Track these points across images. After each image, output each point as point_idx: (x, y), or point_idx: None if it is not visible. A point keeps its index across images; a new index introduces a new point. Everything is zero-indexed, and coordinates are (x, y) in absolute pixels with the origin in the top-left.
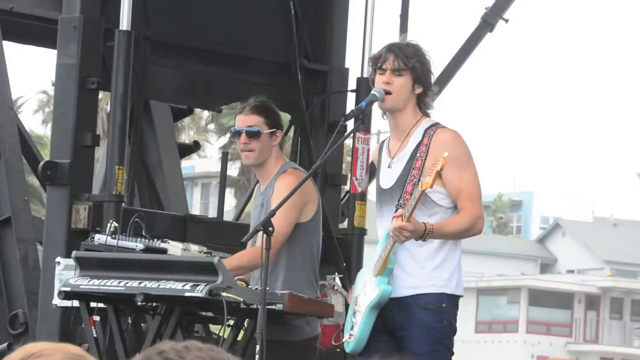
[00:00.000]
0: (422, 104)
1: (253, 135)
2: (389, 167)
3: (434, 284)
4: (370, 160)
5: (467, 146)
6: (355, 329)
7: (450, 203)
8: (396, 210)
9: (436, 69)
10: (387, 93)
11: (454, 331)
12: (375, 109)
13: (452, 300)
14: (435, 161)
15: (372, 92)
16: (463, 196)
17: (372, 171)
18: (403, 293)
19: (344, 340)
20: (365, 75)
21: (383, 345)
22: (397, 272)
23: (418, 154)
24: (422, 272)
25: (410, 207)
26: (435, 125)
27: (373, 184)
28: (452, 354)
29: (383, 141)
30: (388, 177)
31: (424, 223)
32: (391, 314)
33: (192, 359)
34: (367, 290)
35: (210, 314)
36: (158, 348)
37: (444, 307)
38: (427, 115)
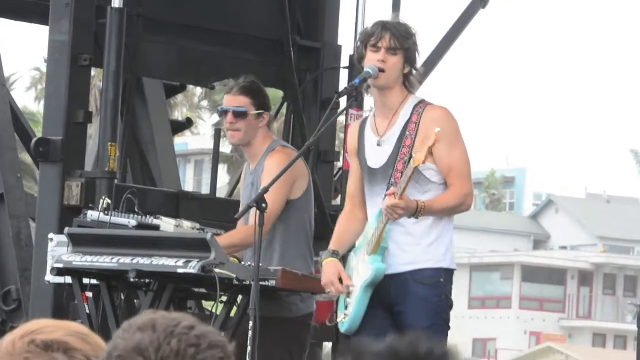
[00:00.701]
0: (408, 82)
1: (240, 115)
2: (378, 145)
3: (430, 259)
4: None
5: (457, 123)
6: (350, 309)
7: (442, 179)
8: (388, 189)
9: (423, 50)
10: (381, 71)
11: (451, 306)
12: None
13: (448, 275)
14: (426, 137)
15: (366, 69)
16: (453, 173)
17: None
18: (400, 269)
19: (338, 320)
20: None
21: (380, 322)
22: (393, 249)
23: (407, 132)
24: (418, 248)
25: (403, 184)
26: (423, 102)
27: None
28: (449, 328)
29: (364, 119)
30: (378, 156)
31: (416, 201)
32: (388, 291)
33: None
34: (360, 269)
35: (203, 290)
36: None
37: (441, 281)
38: (411, 92)
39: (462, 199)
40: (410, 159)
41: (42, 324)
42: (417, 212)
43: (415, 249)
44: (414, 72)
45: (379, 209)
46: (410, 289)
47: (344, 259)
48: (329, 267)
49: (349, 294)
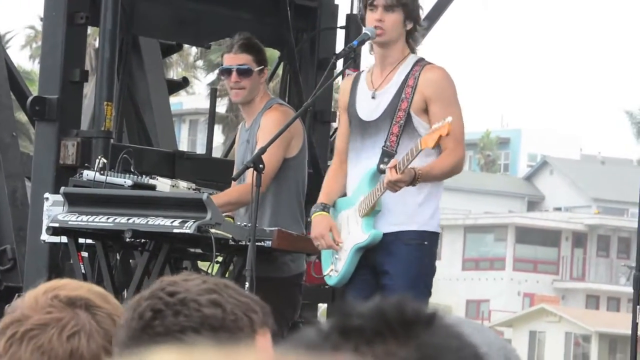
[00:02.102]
0: (411, 39)
1: (244, 73)
2: (372, 97)
3: (416, 221)
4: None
5: (454, 85)
6: (339, 266)
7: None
8: (383, 151)
9: (425, 4)
10: (378, 31)
11: (434, 271)
12: (367, 48)
13: (433, 238)
14: (426, 101)
15: (364, 31)
16: (448, 136)
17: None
18: (386, 229)
19: (325, 273)
20: (354, 12)
21: (363, 279)
22: (380, 217)
23: (404, 95)
24: (405, 209)
25: (407, 161)
26: (422, 60)
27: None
28: (430, 294)
29: (358, 74)
30: (372, 108)
31: (413, 169)
32: (373, 250)
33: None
34: (351, 229)
35: (198, 250)
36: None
37: (425, 244)
38: (413, 50)
39: (457, 163)
40: (409, 113)
41: (65, 282)
42: (414, 180)
43: (402, 209)
44: (417, 27)
45: (372, 165)
46: (394, 250)
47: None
48: (320, 221)
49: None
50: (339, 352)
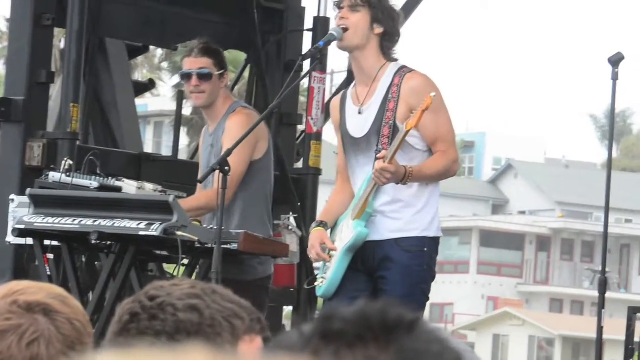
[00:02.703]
0: (385, 48)
1: (204, 77)
2: (359, 113)
3: (416, 227)
4: (326, 102)
5: (438, 89)
6: (328, 273)
7: (426, 146)
8: (375, 159)
9: (398, 14)
10: (345, 30)
11: (433, 277)
12: (333, 49)
13: (433, 244)
14: (412, 109)
15: (330, 31)
16: (439, 140)
17: (328, 115)
18: (386, 236)
19: (316, 284)
20: (322, 15)
21: (360, 286)
22: (379, 216)
23: (390, 95)
24: (405, 216)
25: (394, 147)
26: (403, 69)
27: (329, 128)
28: (428, 299)
29: (345, 93)
30: (360, 124)
31: (404, 166)
32: (372, 256)
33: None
34: (343, 235)
35: (164, 252)
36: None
37: (425, 251)
38: (392, 60)
39: (450, 165)
40: (394, 124)
41: (24, 285)
42: (405, 177)
43: (401, 217)
44: (391, 37)
45: (367, 175)
46: (393, 256)
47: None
48: (314, 234)
49: (330, 258)
50: (319, 356)
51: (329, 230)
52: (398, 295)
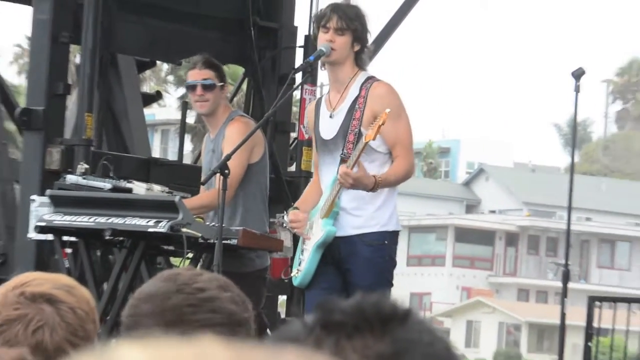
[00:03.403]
0: (359, 59)
1: (207, 87)
2: (330, 117)
3: (376, 223)
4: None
5: (400, 98)
6: (303, 265)
7: (387, 149)
8: (341, 159)
9: (373, 28)
10: (332, 49)
11: (394, 265)
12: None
13: (393, 237)
14: (376, 115)
15: (319, 47)
16: (398, 146)
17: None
18: (349, 232)
19: (292, 274)
20: (312, 33)
21: (330, 278)
22: (343, 214)
23: (357, 106)
24: (365, 213)
25: (354, 157)
26: (371, 78)
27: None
28: (392, 285)
29: (319, 98)
30: (330, 128)
31: (374, 175)
32: (338, 250)
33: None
34: (314, 231)
35: (171, 247)
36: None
37: (385, 243)
38: (363, 69)
39: (409, 169)
40: (359, 131)
41: (32, 277)
42: (375, 185)
43: (362, 214)
44: (365, 49)
45: (332, 176)
46: (357, 250)
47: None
48: (292, 213)
49: (302, 252)
50: (321, 345)
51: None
52: (364, 285)
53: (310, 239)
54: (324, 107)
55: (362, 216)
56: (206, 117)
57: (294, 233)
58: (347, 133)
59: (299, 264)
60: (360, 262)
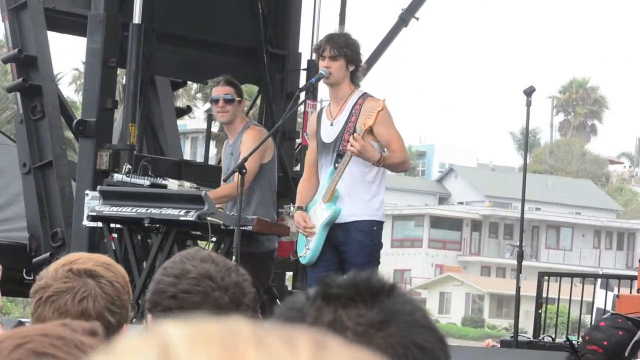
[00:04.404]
0: (355, 77)
1: (228, 101)
2: (331, 125)
3: (367, 213)
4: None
5: (389, 112)
6: (311, 244)
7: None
8: (337, 153)
9: (365, 49)
10: (330, 73)
11: (381, 247)
12: (322, 84)
13: (380, 225)
14: (370, 115)
15: (320, 71)
16: (393, 144)
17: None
18: (345, 219)
19: (300, 255)
20: (313, 58)
21: (330, 258)
22: (339, 204)
23: (350, 122)
24: (358, 204)
25: (361, 132)
26: (366, 94)
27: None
28: (379, 263)
29: (321, 109)
30: (330, 133)
31: (381, 153)
32: (336, 235)
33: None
34: (318, 215)
35: (198, 233)
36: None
37: (374, 229)
38: (358, 86)
39: (405, 159)
40: (354, 131)
41: (78, 256)
42: (380, 159)
43: (356, 204)
44: (359, 68)
45: (331, 168)
46: (351, 235)
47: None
48: (297, 215)
49: (310, 235)
50: (322, 313)
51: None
52: (357, 263)
53: (315, 233)
54: (325, 117)
55: (355, 207)
56: (226, 126)
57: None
58: (343, 135)
59: (307, 245)
60: (354, 244)
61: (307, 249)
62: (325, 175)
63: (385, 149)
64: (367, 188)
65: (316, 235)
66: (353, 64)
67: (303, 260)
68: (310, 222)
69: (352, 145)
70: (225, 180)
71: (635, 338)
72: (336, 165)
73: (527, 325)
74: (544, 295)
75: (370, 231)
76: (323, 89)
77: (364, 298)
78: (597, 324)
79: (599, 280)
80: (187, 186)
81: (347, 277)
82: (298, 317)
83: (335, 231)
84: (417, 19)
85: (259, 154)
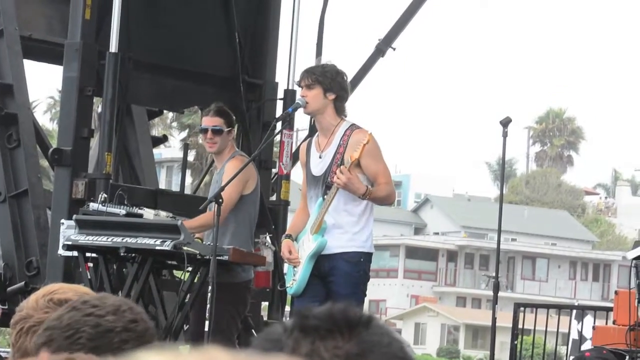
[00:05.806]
0: (338, 108)
1: (216, 132)
2: (320, 157)
3: (355, 244)
4: (294, 151)
5: (377, 144)
6: (297, 275)
7: (370, 184)
8: (325, 185)
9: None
10: (307, 102)
11: (368, 279)
12: (299, 113)
13: (367, 256)
14: (356, 147)
15: (297, 101)
16: (380, 177)
17: (295, 159)
18: (333, 251)
19: (287, 285)
20: (290, 87)
21: (316, 288)
22: (327, 236)
23: (338, 155)
24: (346, 235)
25: (348, 165)
26: (353, 125)
27: (298, 171)
28: (365, 295)
29: (310, 140)
30: (319, 166)
31: (366, 186)
32: (323, 266)
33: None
34: (305, 246)
35: (174, 262)
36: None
37: (361, 261)
38: (344, 116)
39: (390, 192)
40: (342, 163)
41: (57, 287)
42: (366, 193)
43: (344, 236)
44: (343, 97)
45: (319, 199)
46: (338, 265)
47: (279, 238)
48: (284, 244)
49: (295, 266)
50: (299, 345)
51: (294, 242)
52: (344, 294)
53: (301, 263)
54: (313, 149)
55: (343, 238)
56: (214, 155)
57: (274, 251)
58: (331, 167)
59: (294, 275)
60: (340, 275)
61: (294, 280)
62: (314, 207)
63: (372, 182)
64: (355, 220)
65: (302, 266)
66: (332, 92)
67: (290, 291)
68: (295, 252)
69: (338, 178)
70: (203, 210)
71: None
72: (324, 197)
73: (503, 357)
74: (520, 326)
75: (357, 262)
76: (300, 119)
77: (341, 330)
78: (582, 354)
79: (574, 311)
80: (163, 215)
81: (324, 308)
82: (275, 348)
83: (323, 262)
84: (394, 49)
85: (239, 184)
